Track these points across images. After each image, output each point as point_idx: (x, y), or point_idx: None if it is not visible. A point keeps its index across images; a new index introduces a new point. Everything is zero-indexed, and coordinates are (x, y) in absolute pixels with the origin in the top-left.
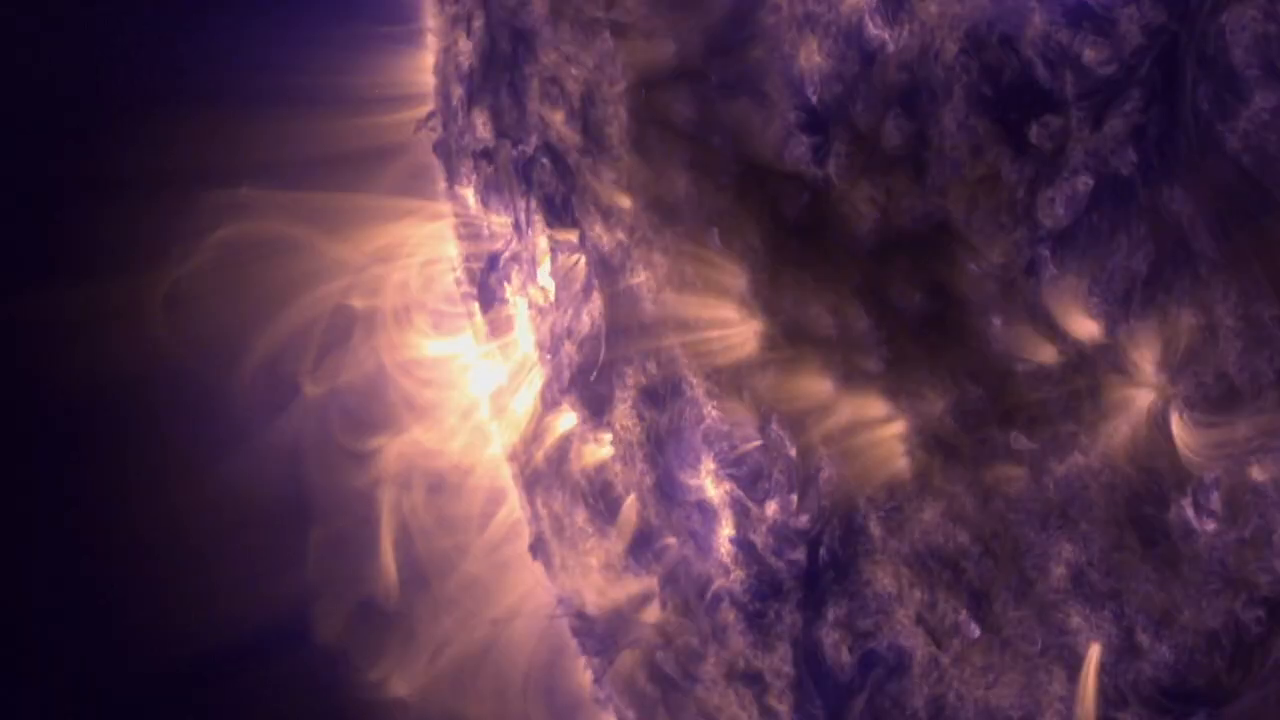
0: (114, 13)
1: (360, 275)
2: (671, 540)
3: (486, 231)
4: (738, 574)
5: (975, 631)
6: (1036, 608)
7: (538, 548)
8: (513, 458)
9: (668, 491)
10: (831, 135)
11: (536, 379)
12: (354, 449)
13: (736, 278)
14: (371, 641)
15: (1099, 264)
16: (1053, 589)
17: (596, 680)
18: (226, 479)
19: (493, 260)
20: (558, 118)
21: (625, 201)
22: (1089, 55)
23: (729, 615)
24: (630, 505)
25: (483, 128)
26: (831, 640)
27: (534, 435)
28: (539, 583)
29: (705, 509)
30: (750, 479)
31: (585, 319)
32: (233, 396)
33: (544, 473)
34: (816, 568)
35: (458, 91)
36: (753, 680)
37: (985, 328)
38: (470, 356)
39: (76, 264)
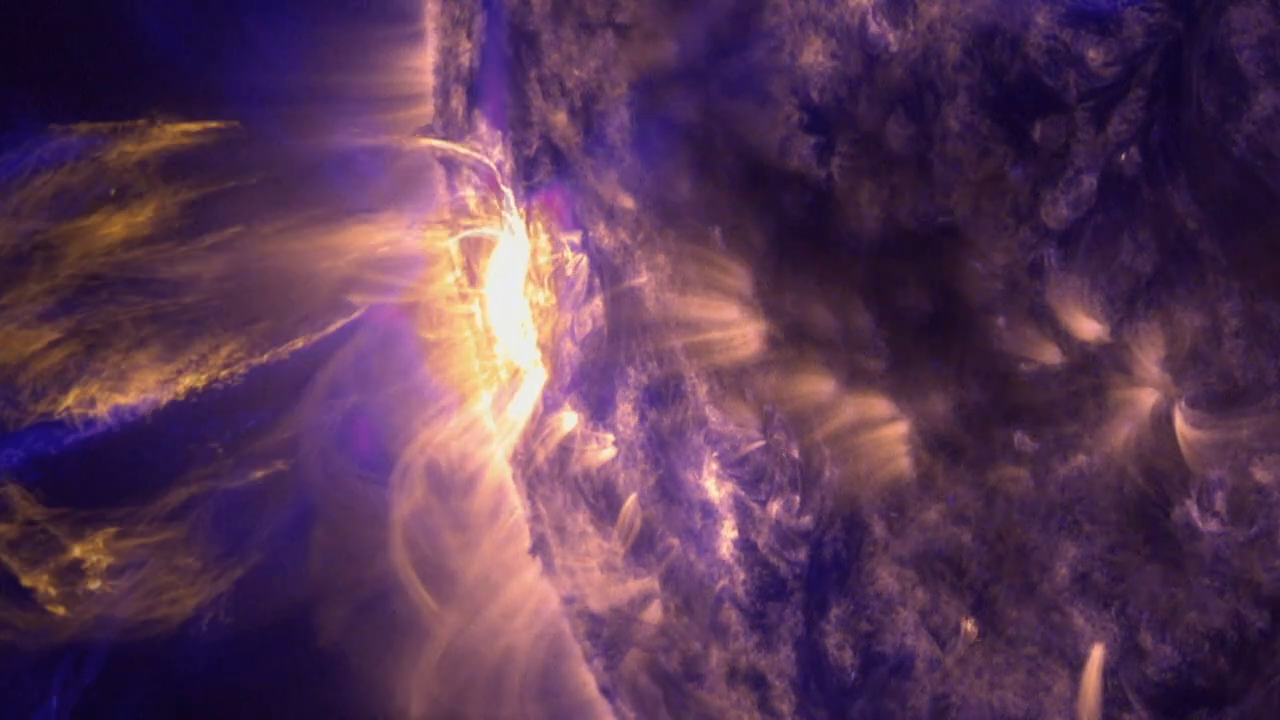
0: (112, 12)
1: (360, 275)
2: (673, 541)
3: (487, 231)
4: (740, 575)
5: (978, 632)
6: (1040, 608)
7: (539, 548)
8: (514, 458)
9: (670, 492)
10: (834, 135)
11: (538, 379)
12: (355, 450)
13: (739, 278)
14: (373, 642)
15: (1103, 264)
16: (1056, 589)
17: (598, 681)
18: (228, 479)
19: (494, 260)
20: (559, 118)
21: (627, 202)
22: (1092, 55)
23: (731, 616)
24: (632, 506)
25: (484, 128)
26: (834, 641)
27: (536, 436)
28: (540, 584)
29: (707, 509)
30: (753, 479)
31: (587, 319)
32: (233, 398)
33: (545, 473)
34: (819, 568)
35: (459, 91)
36: (755, 681)
37: (989, 328)
38: (471, 356)
39: None
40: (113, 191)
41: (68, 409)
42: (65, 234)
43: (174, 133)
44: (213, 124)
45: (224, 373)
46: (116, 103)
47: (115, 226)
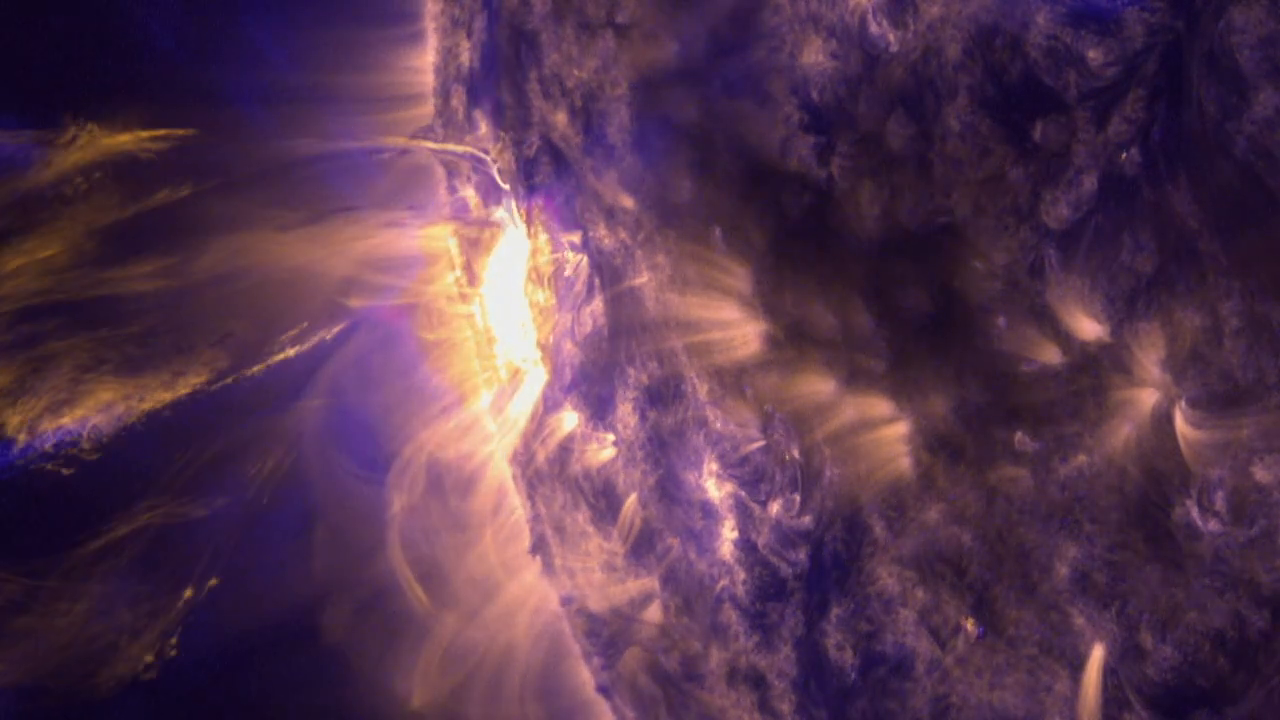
0: (112, 13)
1: (360, 275)
2: (673, 541)
3: (487, 231)
4: (740, 575)
5: (978, 632)
6: (1040, 608)
7: (539, 548)
8: (514, 458)
9: (670, 492)
10: (834, 135)
11: (538, 379)
12: (355, 449)
13: (739, 278)
14: (373, 642)
15: (1104, 264)
16: (1056, 589)
17: (598, 681)
18: (232, 479)
19: (493, 260)
20: (560, 118)
21: (628, 202)
22: (1093, 55)
23: (731, 616)
24: (632, 506)
25: (484, 128)
26: (834, 641)
27: (536, 436)
28: (540, 583)
29: (708, 509)
30: (753, 479)
31: (587, 319)
32: (235, 398)
33: (545, 473)
34: (819, 568)
35: (459, 91)
36: (755, 681)
37: (989, 328)
38: (471, 356)
39: None
40: (81, 186)
41: (59, 421)
42: (32, 239)
43: (165, 136)
44: (207, 125)
45: (228, 375)
46: (117, 103)
47: (80, 230)
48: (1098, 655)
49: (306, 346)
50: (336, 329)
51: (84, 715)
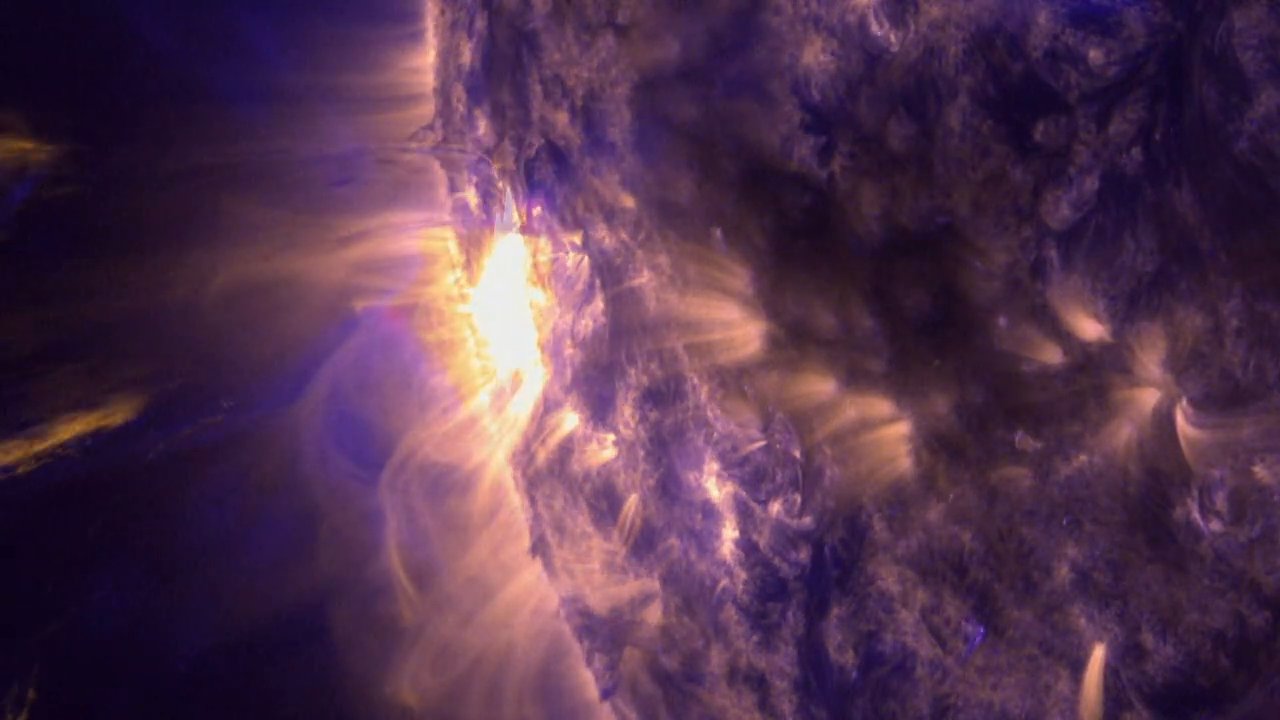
0: (108, 12)
1: (360, 276)
2: (674, 541)
3: (487, 231)
4: (741, 575)
5: (979, 632)
6: (1041, 608)
7: (539, 548)
8: (514, 458)
9: (670, 492)
10: (835, 135)
11: (538, 379)
12: (355, 451)
13: (740, 278)
14: (372, 643)
15: (1105, 264)
16: (1057, 589)
17: (598, 681)
18: (233, 481)
19: (493, 260)
20: (560, 118)
21: (628, 202)
22: (1094, 55)
23: (732, 615)
24: (632, 506)
25: (484, 128)
26: (835, 641)
27: (536, 436)
28: (540, 583)
29: (708, 509)
30: (754, 479)
31: (587, 319)
32: (237, 399)
33: (545, 473)
34: (820, 568)
35: (459, 92)
36: (756, 681)
37: (990, 328)
38: (471, 356)
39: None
40: None
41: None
42: None
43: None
44: (205, 126)
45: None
46: (112, 104)
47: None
48: (1098, 655)
49: (306, 348)
50: (336, 330)
51: None
